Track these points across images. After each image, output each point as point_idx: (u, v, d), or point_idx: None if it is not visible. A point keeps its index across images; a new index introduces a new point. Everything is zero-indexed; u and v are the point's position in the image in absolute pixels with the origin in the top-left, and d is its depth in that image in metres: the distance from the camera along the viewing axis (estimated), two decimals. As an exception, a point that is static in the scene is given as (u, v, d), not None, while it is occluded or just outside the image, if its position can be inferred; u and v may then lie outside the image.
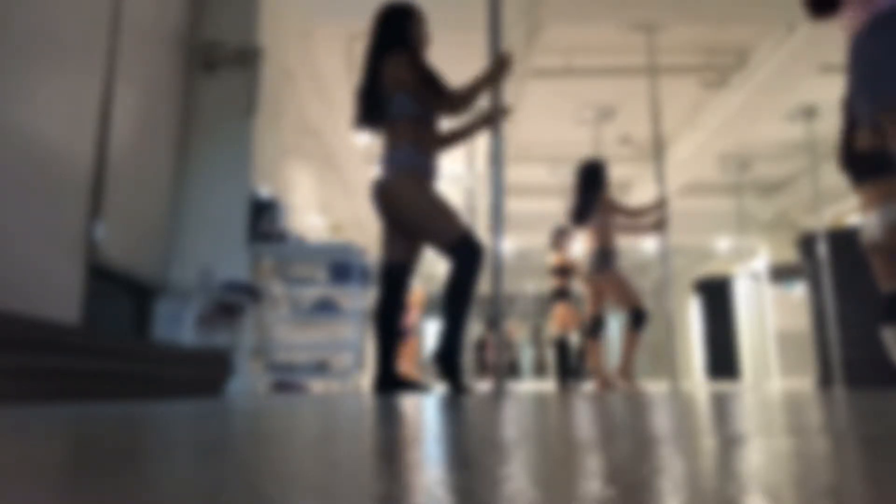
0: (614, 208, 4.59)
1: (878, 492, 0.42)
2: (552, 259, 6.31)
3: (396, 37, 2.84)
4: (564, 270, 6.18)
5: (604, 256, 4.47)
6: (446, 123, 3.01)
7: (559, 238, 6.25)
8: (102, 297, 3.19)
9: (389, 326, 2.70)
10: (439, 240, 2.64)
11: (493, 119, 2.88)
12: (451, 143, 2.98)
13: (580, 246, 4.92)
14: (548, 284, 6.42)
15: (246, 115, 4.05)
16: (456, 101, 2.77)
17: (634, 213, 4.67)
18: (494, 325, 3.06)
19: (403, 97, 2.73)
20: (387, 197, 2.71)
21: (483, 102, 3.08)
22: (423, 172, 2.73)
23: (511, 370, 17.58)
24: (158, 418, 1.22)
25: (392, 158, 2.73)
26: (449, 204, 2.71)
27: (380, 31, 2.89)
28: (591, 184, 4.60)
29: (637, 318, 4.36)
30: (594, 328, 4.59)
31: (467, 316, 2.62)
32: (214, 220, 3.93)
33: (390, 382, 2.64)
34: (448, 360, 2.58)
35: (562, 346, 6.21)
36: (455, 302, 2.58)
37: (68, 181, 2.79)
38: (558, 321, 6.18)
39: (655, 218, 4.65)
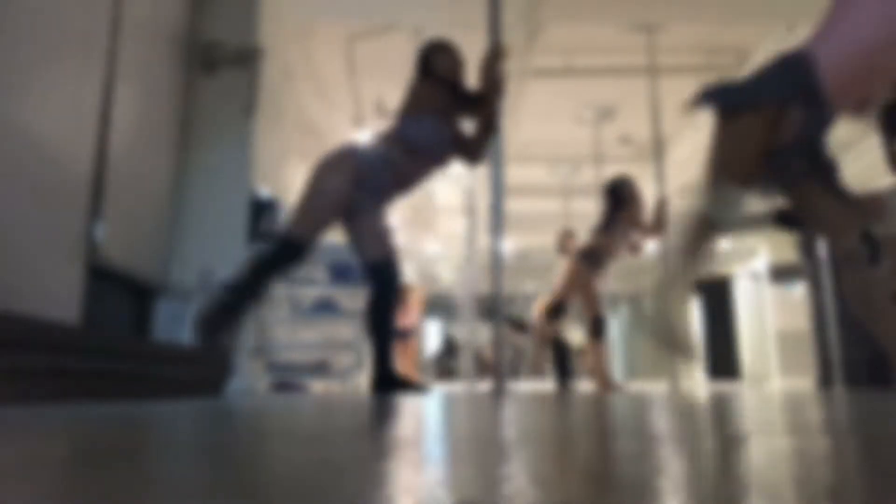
0: (640, 224, 4.62)
1: (878, 492, 0.42)
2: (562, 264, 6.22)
3: (422, 70, 2.88)
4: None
5: (595, 257, 4.49)
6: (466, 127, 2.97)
7: (566, 240, 6.19)
8: (102, 297, 3.19)
9: (383, 326, 2.69)
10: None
11: (492, 67, 2.85)
12: (480, 146, 2.91)
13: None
14: (547, 284, 6.36)
15: (246, 115, 4.04)
16: (482, 108, 2.81)
17: (646, 230, 4.70)
18: (494, 326, 3.05)
19: (411, 121, 2.73)
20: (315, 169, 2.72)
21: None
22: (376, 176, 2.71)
23: (512, 370, 17.55)
24: (158, 418, 1.22)
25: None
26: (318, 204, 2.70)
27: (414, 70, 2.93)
28: (616, 201, 4.65)
29: (597, 326, 4.44)
30: (596, 329, 4.58)
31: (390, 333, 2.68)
32: (214, 220, 3.93)
33: (389, 382, 2.64)
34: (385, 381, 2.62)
35: (559, 346, 6.18)
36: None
37: (68, 181, 2.78)
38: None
39: (655, 217, 4.65)
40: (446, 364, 16.41)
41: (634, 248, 4.80)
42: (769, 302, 10.45)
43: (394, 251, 2.77)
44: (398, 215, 8.68)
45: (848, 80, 1.87)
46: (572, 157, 8.78)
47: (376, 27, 5.57)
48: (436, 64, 2.86)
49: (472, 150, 2.86)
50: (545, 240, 6.67)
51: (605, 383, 4.50)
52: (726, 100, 2.04)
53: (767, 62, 2.03)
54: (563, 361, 6.14)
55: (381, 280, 2.68)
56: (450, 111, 2.75)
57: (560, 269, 4.83)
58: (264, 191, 4.11)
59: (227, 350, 2.78)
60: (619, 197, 4.63)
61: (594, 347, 4.59)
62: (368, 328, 2.71)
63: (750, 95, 1.97)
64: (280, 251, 2.64)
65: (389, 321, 2.72)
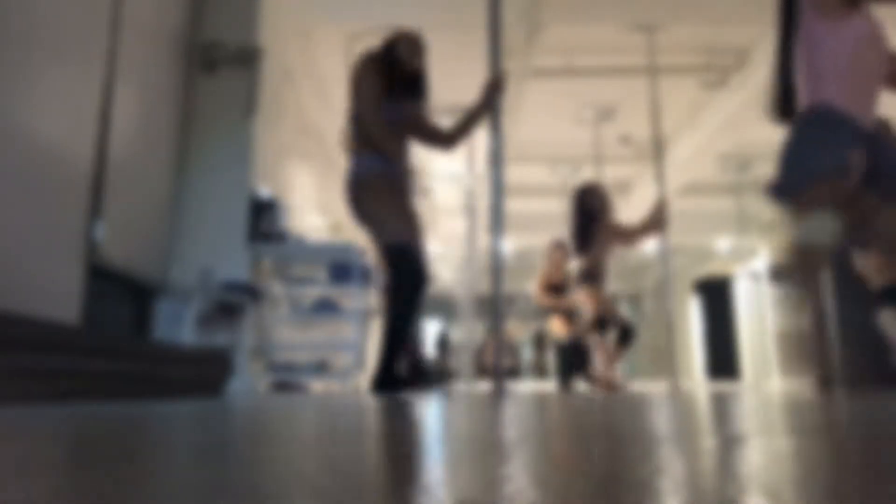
0: (617, 234, 4.56)
1: (877, 492, 0.42)
2: (547, 275, 6.14)
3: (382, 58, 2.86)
4: (559, 287, 6.03)
5: (592, 275, 4.48)
6: (445, 120, 2.99)
7: (554, 252, 6.10)
8: (102, 297, 3.19)
9: (406, 328, 2.67)
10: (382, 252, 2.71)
11: (491, 98, 2.85)
12: (457, 139, 2.91)
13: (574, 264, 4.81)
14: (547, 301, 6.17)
15: (246, 115, 4.04)
16: (451, 139, 2.82)
17: (633, 234, 4.63)
18: (494, 326, 3.05)
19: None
20: (348, 202, 2.76)
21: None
22: (381, 177, 2.72)
23: (512, 373, 17.50)
24: (158, 418, 1.22)
25: (353, 164, 2.77)
26: (405, 217, 2.70)
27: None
28: (587, 211, 4.56)
29: (600, 328, 4.41)
30: (601, 329, 4.53)
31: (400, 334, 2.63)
32: (214, 220, 3.93)
33: (391, 382, 2.62)
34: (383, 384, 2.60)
35: (564, 349, 6.17)
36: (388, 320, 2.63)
37: (68, 181, 2.78)
38: (559, 331, 6.09)
39: (654, 217, 4.63)
40: (441, 363, 16.38)
41: (627, 243, 4.76)
42: (769, 302, 10.44)
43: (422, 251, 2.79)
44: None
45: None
46: (572, 157, 8.78)
47: (376, 27, 5.57)
48: (396, 53, 2.86)
49: (441, 141, 2.88)
50: (545, 240, 6.65)
51: (609, 384, 4.46)
52: (792, 190, 2.16)
53: (795, 130, 2.18)
54: (566, 363, 6.12)
55: (400, 274, 2.67)
56: (398, 97, 2.76)
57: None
58: (264, 191, 4.11)
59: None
60: (591, 208, 4.55)
61: (601, 348, 4.55)
62: (383, 328, 2.68)
63: (814, 173, 2.10)
64: (402, 274, 2.63)
65: (410, 322, 2.69)
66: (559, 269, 6.01)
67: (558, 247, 6.09)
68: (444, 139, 2.88)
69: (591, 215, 4.52)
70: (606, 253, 4.51)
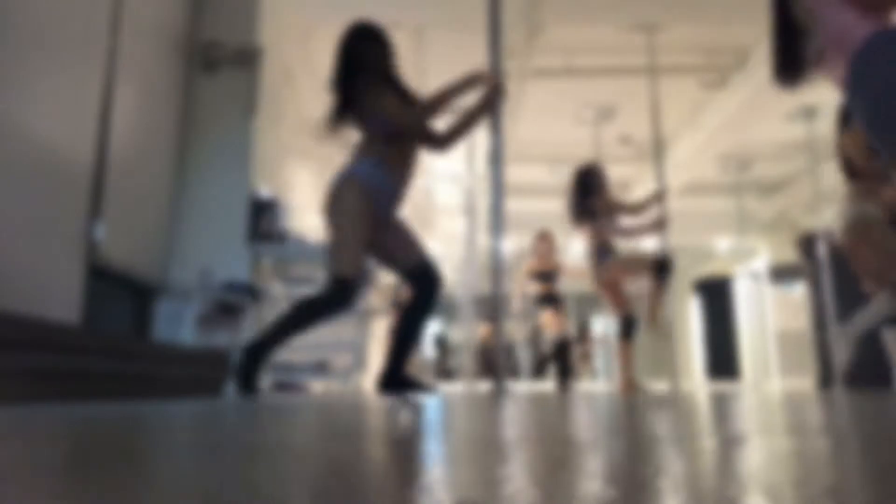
0: (616, 207, 4.56)
1: (878, 492, 0.42)
2: (532, 264, 6.25)
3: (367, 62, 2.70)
4: (546, 275, 6.13)
5: (602, 251, 4.45)
6: (441, 123, 2.94)
7: (539, 242, 6.21)
8: (102, 297, 3.19)
9: (414, 330, 2.61)
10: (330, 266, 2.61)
11: (492, 101, 2.83)
12: (453, 140, 2.85)
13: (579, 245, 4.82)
14: (533, 288, 6.27)
15: (246, 115, 4.04)
16: (447, 141, 2.76)
17: (635, 209, 4.65)
18: (494, 325, 3.04)
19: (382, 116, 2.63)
20: (327, 199, 2.58)
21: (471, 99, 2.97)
22: (376, 189, 2.56)
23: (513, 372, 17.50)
24: (158, 418, 1.22)
25: (352, 167, 2.61)
26: (359, 239, 2.55)
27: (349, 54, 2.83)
28: (586, 188, 4.59)
29: (627, 327, 4.34)
30: (627, 329, 4.46)
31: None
32: (214, 220, 3.93)
33: (397, 382, 2.59)
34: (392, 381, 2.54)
35: (561, 347, 6.18)
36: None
37: (68, 181, 2.78)
38: (551, 327, 6.12)
39: (656, 215, 4.63)
40: (442, 364, 16.37)
41: (635, 233, 4.74)
42: (769, 302, 10.45)
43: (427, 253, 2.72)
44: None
45: None
46: (572, 157, 8.77)
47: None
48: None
49: (439, 143, 2.75)
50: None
51: (629, 384, 4.39)
52: None
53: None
54: (564, 362, 6.15)
55: (426, 283, 2.60)
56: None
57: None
58: (264, 191, 4.11)
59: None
60: (588, 185, 4.59)
61: (623, 348, 4.50)
62: (397, 327, 2.62)
63: None
64: (332, 295, 2.54)
65: (421, 326, 2.63)
66: (545, 259, 6.11)
67: (543, 238, 6.17)
68: (440, 141, 2.80)
69: (588, 190, 4.54)
70: (608, 231, 4.49)
